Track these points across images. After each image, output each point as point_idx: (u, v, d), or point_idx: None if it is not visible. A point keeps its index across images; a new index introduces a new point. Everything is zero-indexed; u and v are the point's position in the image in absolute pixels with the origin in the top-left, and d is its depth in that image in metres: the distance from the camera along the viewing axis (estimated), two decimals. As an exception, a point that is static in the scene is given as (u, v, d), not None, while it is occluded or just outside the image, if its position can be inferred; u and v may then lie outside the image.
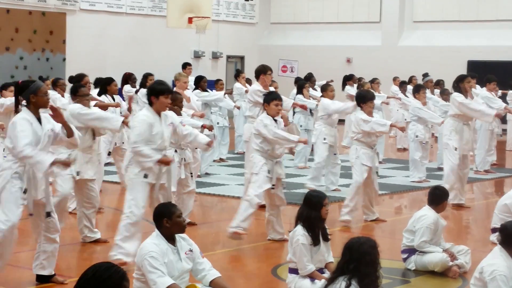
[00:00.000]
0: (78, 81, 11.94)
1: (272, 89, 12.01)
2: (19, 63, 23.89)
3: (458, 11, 28.30)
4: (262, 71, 11.83)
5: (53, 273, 7.80)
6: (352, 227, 10.85)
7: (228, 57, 30.92)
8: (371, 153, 11.03)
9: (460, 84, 12.32)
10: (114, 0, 26.41)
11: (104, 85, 13.35)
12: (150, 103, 8.42)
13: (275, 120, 9.66)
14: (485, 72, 26.56)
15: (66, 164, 7.72)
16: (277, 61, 28.12)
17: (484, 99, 16.10)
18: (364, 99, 11.13)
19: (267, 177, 9.57)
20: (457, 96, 12.28)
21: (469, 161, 12.55)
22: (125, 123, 9.49)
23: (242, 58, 31.64)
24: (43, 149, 7.39)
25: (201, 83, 15.34)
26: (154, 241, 6.46)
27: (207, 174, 15.00)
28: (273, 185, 9.61)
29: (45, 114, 7.60)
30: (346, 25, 30.44)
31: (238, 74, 19.63)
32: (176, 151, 10.32)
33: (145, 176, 8.32)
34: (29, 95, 7.40)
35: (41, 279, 7.80)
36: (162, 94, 8.35)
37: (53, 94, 15.17)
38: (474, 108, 12.43)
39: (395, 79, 22.38)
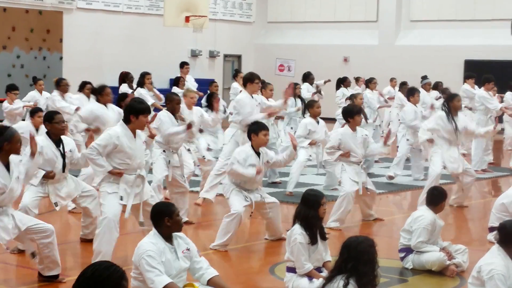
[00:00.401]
0: (99, 92, 11.82)
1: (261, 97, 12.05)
2: (16, 61, 23.87)
3: (455, 11, 28.31)
4: (249, 80, 11.87)
5: (60, 271, 7.81)
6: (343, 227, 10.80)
7: (225, 56, 30.91)
8: (358, 169, 10.99)
9: (450, 103, 11.99)
10: (111, -2, 26.38)
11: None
12: (128, 121, 8.37)
13: (257, 154, 9.52)
14: (482, 72, 26.57)
15: None
16: (274, 60, 28.10)
17: (480, 99, 16.11)
18: (351, 113, 11.11)
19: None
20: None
21: (468, 172, 12.37)
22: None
23: (239, 57, 31.63)
24: (9, 197, 7.35)
25: (212, 101, 15.12)
26: (151, 240, 6.45)
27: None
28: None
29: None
30: (343, 24, 30.43)
31: (236, 74, 19.58)
32: (164, 151, 10.36)
33: (121, 198, 8.36)
34: (3, 142, 7.29)
35: (41, 275, 7.80)
36: (142, 114, 8.34)
37: (53, 95, 15.16)
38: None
39: (391, 80, 22.31)
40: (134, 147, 8.37)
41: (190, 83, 18.80)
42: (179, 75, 19.63)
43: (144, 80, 16.26)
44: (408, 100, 14.89)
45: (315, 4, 31.09)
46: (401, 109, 18.29)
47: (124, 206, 8.35)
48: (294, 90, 15.14)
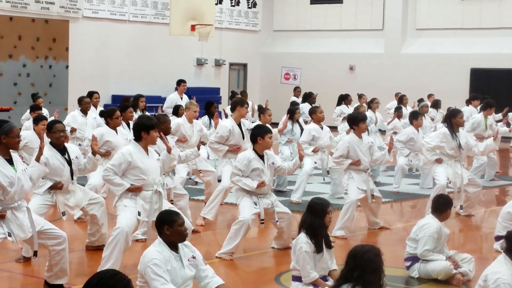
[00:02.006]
0: (109, 115, 11.81)
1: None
2: (22, 70, 23.92)
3: (461, 19, 28.30)
4: (239, 103, 11.90)
5: (67, 280, 7.82)
6: (349, 235, 10.78)
7: (231, 64, 30.94)
8: (365, 176, 10.99)
9: (452, 119, 11.91)
10: (117, 7, 26.45)
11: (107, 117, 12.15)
12: (139, 138, 8.50)
13: (261, 157, 9.52)
14: (488, 80, 26.77)
15: None
16: (280, 68, 28.18)
17: (473, 125, 15.94)
18: (356, 120, 11.10)
19: None
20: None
21: (475, 182, 12.31)
22: None
23: (245, 66, 31.66)
24: (20, 190, 7.36)
25: (211, 109, 15.10)
26: (157, 248, 6.45)
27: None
28: None
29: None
30: (349, 33, 30.45)
31: (233, 96, 19.47)
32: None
33: (139, 214, 8.42)
34: (1, 135, 7.30)
35: (47, 284, 7.80)
36: (152, 129, 8.47)
37: (72, 115, 15.18)
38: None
39: (397, 94, 22.19)
40: (147, 163, 8.48)
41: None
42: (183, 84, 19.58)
43: (137, 103, 16.24)
44: (411, 123, 14.73)
45: (320, 13, 31.12)
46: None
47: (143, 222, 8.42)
48: (293, 115, 15.05)
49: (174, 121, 13.34)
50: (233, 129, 11.66)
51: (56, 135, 8.97)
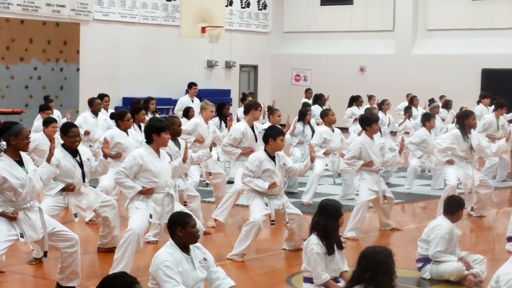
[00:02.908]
0: (120, 117, 11.83)
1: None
2: (33, 73, 23.99)
3: (471, 19, 28.23)
4: (253, 107, 11.89)
5: (79, 283, 7.84)
6: (360, 237, 10.76)
7: (241, 66, 30.95)
8: (377, 177, 10.97)
9: (465, 121, 11.84)
10: (127, 10, 26.49)
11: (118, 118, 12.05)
12: (150, 141, 8.52)
13: (272, 158, 9.50)
14: (499, 80, 26.68)
15: (11, 218, 7.38)
16: (290, 70, 28.15)
17: (485, 125, 15.87)
18: (368, 122, 11.10)
19: None
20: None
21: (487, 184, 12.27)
22: None
23: (255, 67, 31.67)
24: (31, 191, 7.39)
25: (223, 110, 15.06)
26: (168, 250, 6.46)
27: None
28: None
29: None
30: (359, 34, 30.42)
31: (244, 98, 19.47)
32: None
33: (150, 216, 8.44)
34: (10, 137, 7.34)
35: (59, 286, 7.82)
36: (163, 131, 8.49)
37: (83, 117, 15.21)
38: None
39: (407, 95, 22.14)
40: (159, 165, 8.48)
41: (196, 106, 18.52)
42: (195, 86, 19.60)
43: (148, 105, 16.28)
44: (424, 125, 14.70)
45: (331, 14, 31.10)
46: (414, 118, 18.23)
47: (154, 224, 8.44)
48: (305, 117, 15.07)
49: (192, 121, 13.37)
50: (246, 132, 11.66)
51: (71, 139, 9.03)
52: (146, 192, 8.44)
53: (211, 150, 10.53)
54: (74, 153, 9.06)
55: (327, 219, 7.41)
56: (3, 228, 7.28)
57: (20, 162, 7.41)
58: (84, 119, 15.17)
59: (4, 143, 7.40)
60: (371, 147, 10.95)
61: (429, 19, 29.25)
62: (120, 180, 8.50)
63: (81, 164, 9.04)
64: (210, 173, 12.16)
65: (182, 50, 27.72)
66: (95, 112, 15.20)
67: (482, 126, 15.73)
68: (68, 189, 8.97)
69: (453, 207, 8.67)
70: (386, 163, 11.29)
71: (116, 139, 11.56)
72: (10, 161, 7.34)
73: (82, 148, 9.29)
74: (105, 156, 9.09)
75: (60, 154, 8.90)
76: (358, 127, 16.21)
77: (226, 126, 14.71)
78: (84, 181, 9.08)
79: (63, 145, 9.09)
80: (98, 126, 14.79)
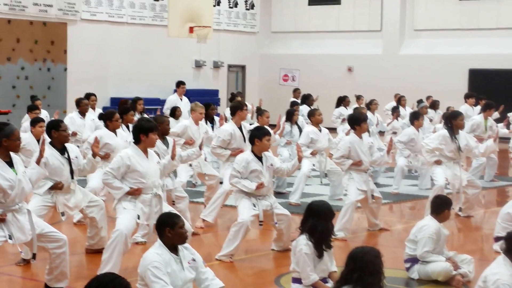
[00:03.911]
0: (109, 118, 11.81)
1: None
2: (20, 73, 23.90)
3: (459, 19, 28.32)
4: (238, 107, 11.90)
5: (67, 283, 7.82)
6: (349, 237, 10.77)
7: (229, 66, 30.94)
8: (365, 177, 10.99)
9: (453, 121, 11.88)
10: (115, 10, 26.44)
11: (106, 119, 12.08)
12: (138, 141, 8.51)
13: (259, 158, 9.51)
14: (486, 81, 26.77)
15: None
16: (278, 70, 28.15)
17: (473, 126, 15.88)
18: (358, 121, 11.12)
19: None
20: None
21: (474, 184, 12.32)
22: None
23: (243, 67, 31.67)
24: (21, 192, 7.38)
25: (209, 111, 15.07)
26: (157, 251, 6.45)
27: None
28: None
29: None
30: (347, 34, 30.47)
31: (233, 98, 19.45)
32: None
33: (138, 217, 8.43)
34: (2, 138, 7.32)
35: (47, 287, 7.80)
36: (151, 131, 8.48)
37: (70, 117, 15.15)
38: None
39: (395, 95, 22.17)
40: (146, 166, 8.47)
41: (185, 105, 18.48)
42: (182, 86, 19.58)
43: (136, 105, 16.26)
44: (412, 123, 14.73)
45: (319, 14, 31.13)
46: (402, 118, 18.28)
47: (142, 225, 8.43)
48: (292, 117, 15.10)
49: (182, 123, 13.36)
50: (235, 133, 11.65)
51: (64, 133, 9.02)
52: (134, 193, 8.43)
53: (201, 149, 10.55)
54: (62, 150, 9.03)
55: (324, 222, 7.37)
56: None
57: (10, 163, 7.39)
58: (71, 120, 15.13)
59: None
60: (360, 146, 10.97)
61: (416, 20, 29.33)
62: (107, 181, 8.48)
63: (69, 162, 9.02)
64: (205, 174, 12.14)
65: (170, 50, 27.69)
66: (83, 113, 15.16)
67: (470, 127, 15.77)
68: (57, 187, 8.94)
69: (439, 206, 8.69)
70: (374, 162, 11.32)
71: (104, 140, 11.54)
72: (0, 162, 7.32)
73: (70, 145, 9.26)
74: (94, 155, 9.08)
75: (48, 151, 8.87)
76: (346, 127, 16.26)
77: (212, 127, 14.71)
78: (72, 178, 9.05)
79: (51, 143, 9.07)
80: (85, 127, 14.75)
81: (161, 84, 27.17)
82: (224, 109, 22.62)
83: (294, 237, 7.75)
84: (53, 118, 14.82)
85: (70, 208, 9.15)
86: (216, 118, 15.19)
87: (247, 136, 11.59)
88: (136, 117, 14.87)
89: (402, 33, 29.42)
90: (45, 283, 7.83)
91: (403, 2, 29.25)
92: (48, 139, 9.19)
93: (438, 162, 11.93)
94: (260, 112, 13.54)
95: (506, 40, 27.12)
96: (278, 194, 13.24)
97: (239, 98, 18.77)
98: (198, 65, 29.24)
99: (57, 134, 9.01)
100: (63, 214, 9.07)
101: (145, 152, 8.53)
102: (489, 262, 6.97)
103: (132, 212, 8.38)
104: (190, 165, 12.04)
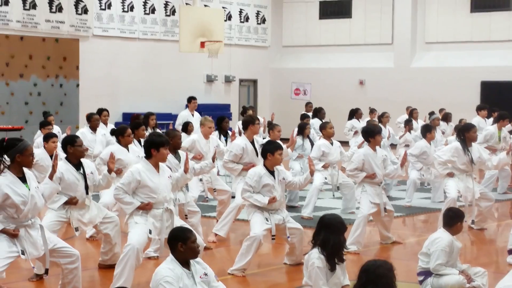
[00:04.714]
0: (121, 133, 11.82)
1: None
2: (33, 89, 24.01)
3: (470, 32, 28.28)
4: (250, 122, 11.86)
5: None
6: (361, 250, 10.75)
7: (241, 80, 30.99)
8: (379, 190, 10.97)
9: (466, 134, 11.85)
10: (126, 25, 26.55)
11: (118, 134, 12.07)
12: (149, 156, 8.54)
13: (271, 172, 9.50)
14: (498, 93, 26.70)
15: (12, 235, 7.40)
16: (290, 84, 28.18)
17: (486, 137, 15.84)
18: (372, 133, 11.11)
19: None
20: None
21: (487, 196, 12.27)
22: None
23: (254, 82, 31.71)
24: (33, 208, 7.40)
25: (223, 124, 15.04)
26: (169, 265, 6.45)
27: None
28: None
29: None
30: (358, 47, 30.47)
31: (245, 111, 19.43)
32: None
33: (150, 232, 8.46)
34: (15, 154, 7.36)
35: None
36: (162, 146, 8.52)
37: (81, 133, 15.14)
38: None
39: (407, 108, 22.12)
40: (157, 181, 8.49)
41: (197, 120, 18.48)
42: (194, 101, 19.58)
43: (148, 120, 16.28)
44: (424, 136, 14.70)
45: (329, 28, 31.15)
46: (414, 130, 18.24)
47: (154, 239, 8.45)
48: (304, 131, 15.07)
49: (190, 137, 13.36)
50: (247, 147, 11.65)
51: (80, 148, 9.09)
52: (145, 208, 8.44)
53: (213, 161, 10.56)
54: (78, 166, 9.07)
55: (336, 235, 7.36)
56: (4, 245, 7.28)
57: (23, 179, 7.42)
58: (82, 135, 15.12)
59: (8, 159, 7.40)
60: (374, 159, 10.95)
61: (427, 32, 29.31)
62: (118, 196, 8.51)
63: (84, 177, 9.04)
64: (214, 189, 12.14)
65: (182, 65, 27.76)
66: (94, 128, 15.18)
67: (484, 138, 15.73)
68: (71, 202, 8.97)
69: (452, 219, 8.65)
70: (388, 175, 11.30)
71: (116, 155, 11.55)
72: (13, 177, 7.35)
73: (85, 161, 9.30)
74: (109, 171, 9.10)
75: (63, 167, 8.91)
76: (358, 139, 16.22)
77: (226, 140, 14.71)
78: (87, 194, 9.08)
79: (66, 158, 9.11)
80: (96, 142, 14.77)
81: (173, 99, 27.23)
82: (235, 123, 22.62)
83: (306, 251, 7.72)
84: (66, 134, 14.87)
85: (85, 224, 9.17)
86: (229, 132, 15.20)
87: (259, 151, 11.59)
88: (149, 132, 14.89)
89: (413, 46, 29.40)
90: (58, 298, 7.84)
91: (414, 14, 29.25)
92: (63, 155, 9.23)
93: (450, 175, 11.89)
94: (271, 126, 13.53)
95: (518, 52, 27.06)
96: (290, 208, 13.24)
97: (250, 112, 18.77)
98: (210, 79, 29.29)
99: (73, 149, 9.05)
100: (77, 229, 9.09)
101: (156, 166, 8.55)
102: (503, 275, 6.92)
103: (143, 227, 8.39)
104: (201, 180, 12.04)
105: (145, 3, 27.06)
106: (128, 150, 11.72)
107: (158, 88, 27.28)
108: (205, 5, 28.34)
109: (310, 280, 7.44)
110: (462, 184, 11.78)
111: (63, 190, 8.86)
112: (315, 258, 7.37)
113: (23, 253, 7.35)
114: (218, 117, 15.38)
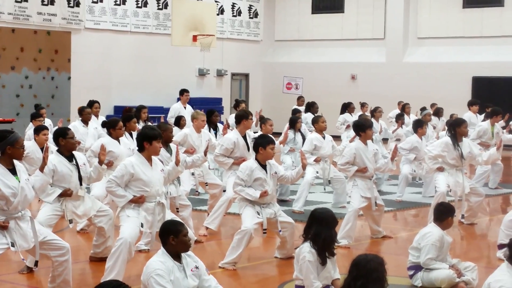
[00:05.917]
0: (112, 126, 11.79)
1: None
2: (24, 82, 23.96)
3: (462, 27, 28.33)
4: (244, 117, 11.80)
5: None
6: (352, 244, 10.77)
7: (233, 74, 30.98)
8: (370, 184, 10.99)
9: (456, 129, 11.89)
10: (118, 19, 26.50)
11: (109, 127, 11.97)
12: (142, 149, 8.53)
13: (263, 166, 9.50)
14: (490, 88, 26.77)
15: (2, 227, 7.38)
16: (282, 78, 28.19)
17: (479, 133, 15.88)
18: (363, 127, 11.12)
19: None
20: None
21: (477, 191, 12.31)
22: None
23: (246, 76, 31.70)
24: (23, 200, 7.38)
25: (212, 118, 15.04)
26: (160, 258, 6.45)
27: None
28: None
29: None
30: (350, 42, 30.49)
31: (237, 105, 19.40)
32: None
33: (141, 225, 8.46)
34: (6, 146, 7.34)
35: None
36: (155, 139, 8.50)
37: (73, 126, 15.11)
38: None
39: (399, 103, 22.14)
40: (150, 174, 8.49)
41: (189, 113, 18.44)
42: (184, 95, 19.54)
43: (140, 114, 16.25)
44: (416, 131, 14.73)
45: (322, 22, 31.16)
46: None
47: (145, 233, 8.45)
48: (295, 125, 15.07)
49: (182, 132, 13.34)
50: (238, 142, 11.63)
51: (72, 141, 9.07)
52: (137, 201, 8.44)
53: (205, 155, 10.55)
54: (70, 157, 9.06)
55: (327, 229, 7.38)
56: None
57: (13, 171, 7.41)
58: (74, 129, 15.09)
59: None
60: (365, 153, 10.97)
61: (419, 27, 29.34)
62: (111, 189, 8.50)
63: (77, 168, 9.03)
64: (206, 183, 12.13)
65: (174, 58, 27.74)
66: (85, 121, 15.15)
67: (477, 134, 15.76)
68: (66, 194, 8.95)
69: (442, 214, 8.69)
70: (378, 169, 11.32)
71: (108, 148, 11.53)
72: (3, 169, 7.33)
73: (77, 153, 9.30)
74: (100, 162, 9.10)
75: (56, 159, 8.90)
76: (350, 134, 16.23)
77: (215, 134, 14.69)
78: (81, 185, 9.07)
79: (58, 150, 9.09)
80: (88, 135, 14.75)
81: (165, 92, 27.21)
82: (227, 117, 22.60)
83: (297, 245, 7.74)
84: (57, 127, 14.84)
85: (79, 216, 9.15)
86: (220, 125, 15.18)
87: (251, 145, 11.58)
88: (140, 125, 14.87)
89: (405, 41, 29.44)
90: (48, 291, 7.83)
91: (406, 10, 29.27)
92: (55, 147, 9.22)
93: (440, 169, 11.93)
94: (263, 120, 13.52)
95: (510, 47, 27.12)
96: (281, 202, 13.25)
97: (243, 105, 18.75)
98: (202, 73, 29.27)
99: (65, 141, 9.04)
100: (71, 221, 9.08)
101: (149, 160, 8.55)
102: (493, 269, 6.95)
103: (135, 220, 8.39)
104: (193, 174, 12.04)
105: (137, -4, 27.03)
106: (119, 142, 11.71)
107: (150, 82, 27.26)
108: (198, -1, 28.34)
109: (301, 274, 7.46)
110: (452, 179, 11.82)
111: (57, 182, 8.85)
112: (306, 252, 7.39)
113: (13, 245, 7.34)
114: (207, 111, 15.34)
